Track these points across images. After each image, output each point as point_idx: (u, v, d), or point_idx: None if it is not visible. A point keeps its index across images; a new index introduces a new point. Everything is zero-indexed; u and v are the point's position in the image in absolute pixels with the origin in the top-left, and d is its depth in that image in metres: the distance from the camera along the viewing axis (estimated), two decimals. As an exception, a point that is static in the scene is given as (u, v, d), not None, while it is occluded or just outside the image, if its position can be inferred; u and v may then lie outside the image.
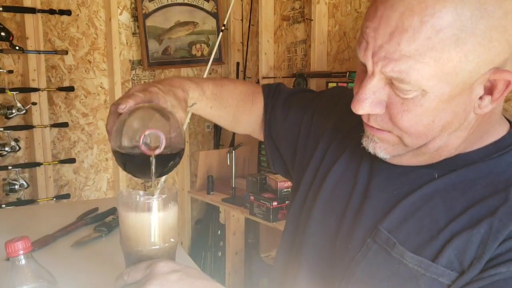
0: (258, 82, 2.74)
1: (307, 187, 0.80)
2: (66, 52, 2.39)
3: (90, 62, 2.51)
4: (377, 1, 0.57)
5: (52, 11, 2.29)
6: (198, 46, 2.76)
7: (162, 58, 2.66)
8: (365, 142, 0.66)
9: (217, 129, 2.94)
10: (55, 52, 2.34)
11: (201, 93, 0.85)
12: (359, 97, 0.60)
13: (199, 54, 2.77)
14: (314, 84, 2.37)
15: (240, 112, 0.95)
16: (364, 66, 0.60)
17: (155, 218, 0.63)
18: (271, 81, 2.71)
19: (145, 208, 0.63)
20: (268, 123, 0.94)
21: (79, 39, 2.47)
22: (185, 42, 2.72)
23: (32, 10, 2.20)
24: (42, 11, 2.25)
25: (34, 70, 2.24)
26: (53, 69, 2.40)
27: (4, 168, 2.20)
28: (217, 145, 2.95)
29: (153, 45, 2.62)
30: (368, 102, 0.59)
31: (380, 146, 0.65)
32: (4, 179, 2.25)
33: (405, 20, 0.53)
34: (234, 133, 2.71)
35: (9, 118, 2.19)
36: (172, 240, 0.66)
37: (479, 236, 0.57)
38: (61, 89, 2.38)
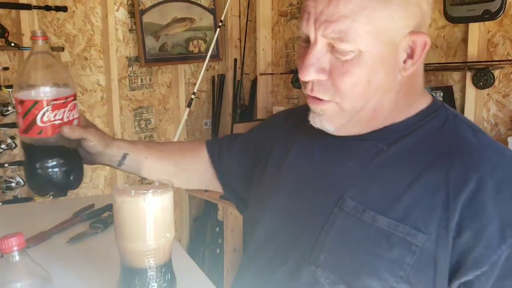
0: (255, 78, 2.73)
1: (267, 183, 0.86)
2: (62, 49, 2.37)
3: (86, 59, 2.49)
4: None
5: (48, 8, 2.27)
6: (195, 42, 2.75)
7: (159, 55, 2.65)
8: (312, 119, 0.74)
9: (215, 126, 2.93)
10: (51, 49, 2.32)
11: (129, 144, 0.95)
12: (306, 63, 0.67)
13: (196, 50, 2.76)
14: (312, 80, 2.36)
15: (182, 160, 1.01)
16: (305, 42, 0.70)
17: (150, 212, 0.63)
18: (269, 77, 2.70)
19: (140, 203, 0.62)
20: (221, 173, 0.99)
21: (76, 35, 2.45)
22: (182, 38, 2.71)
23: (27, 7, 2.18)
24: (38, 7, 2.23)
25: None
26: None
27: (1, 166, 2.18)
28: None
29: (150, 42, 2.60)
30: (313, 68, 0.68)
31: (325, 118, 0.72)
32: (0, 177, 2.24)
33: None
34: (232, 130, 2.70)
35: (5, 116, 2.17)
36: (168, 235, 0.66)
37: (439, 203, 0.65)
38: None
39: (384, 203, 0.68)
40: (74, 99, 0.95)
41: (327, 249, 0.70)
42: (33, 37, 0.96)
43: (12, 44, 2.11)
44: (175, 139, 2.39)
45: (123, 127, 2.63)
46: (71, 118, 0.96)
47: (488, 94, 1.92)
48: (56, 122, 0.96)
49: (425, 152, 0.70)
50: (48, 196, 0.98)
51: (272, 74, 2.66)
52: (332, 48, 0.66)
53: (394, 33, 0.66)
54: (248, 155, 0.96)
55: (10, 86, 2.14)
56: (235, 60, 2.85)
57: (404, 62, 0.68)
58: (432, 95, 0.77)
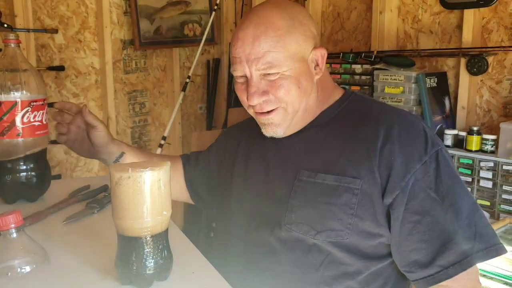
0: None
1: (238, 180, 1.05)
2: (56, 31, 2.35)
3: (80, 41, 2.47)
4: (236, 32, 0.92)
5: (41, -11, 2.24)
6: (190, 26, 2.73)
7: (154, 38, 2.63)
8: (265, 130, 0.97)
9: (210, 111, 2.93)
10: (45, 30, 2.30)
11: (128, 146, 1.10)
12: (250, 93, 0.91)
13: (191, 34, 2.74)
14: (307, 65, 2.35)
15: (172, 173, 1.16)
16: (241, 79, 0.94)
17: (147, 190, 0.63)
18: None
19: (137, 180, 0.62)
20: (190, 184, 1.18)
21: (69, 17, 2.43)
22: (177, 21, 2.69)
23: (20, -13, 2.15)
24: (31, -12, 2.21)
25: (23, 48, 2.20)
26: (43, 48, 2.36)
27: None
28: (209, 127, 2.94)
29: (144, 25, 2.58)
30: (257, 94, 0.91)
31: (274, 125, 0.95)
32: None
33: (257, 30, 0.89)
34: (227, 114, 2.70)
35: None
36: (165, 213, 0.66)
37: (364, 155, 0.90)
38: (51, 68, 2.35)
39: (327, 166, 0.92)
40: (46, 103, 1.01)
41: (295, 209, 0.92)
42: (5, 40, 0.97)
43: (5, 26, 2.09)
44: (170, 123, 2.39)
45: (117, 111, 2.62)
46: (46, 121, 0.99)
47: (481, 80, 1.93)
48: (36, 124, 0.97)
49: (347, 125, 0.95)
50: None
51: (267, 58, 2.65)
52: (263, 75, 0.90)
53: (303, 52, 0.92)
54: (208, 165, 1.16)
55: (4, 68, 2.12)
56: (230, 44, 2.83)
57: (315, 69, 0.95)
58: (344, 88, 1.08)
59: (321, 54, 0.95)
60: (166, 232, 0.68)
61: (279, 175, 0.97)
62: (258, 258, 0.95)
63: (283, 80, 0.90)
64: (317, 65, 0.95)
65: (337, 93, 1.02)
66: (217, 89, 2.92)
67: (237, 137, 1.14)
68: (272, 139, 0.99)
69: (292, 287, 0.92)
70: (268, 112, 0.93)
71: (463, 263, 0.85)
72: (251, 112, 0.97)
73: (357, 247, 0.89)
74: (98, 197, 1.00)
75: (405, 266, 0.90)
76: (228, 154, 1.12)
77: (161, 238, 0.67)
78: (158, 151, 2.29)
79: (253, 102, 0.91)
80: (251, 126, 1.08)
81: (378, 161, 0.89)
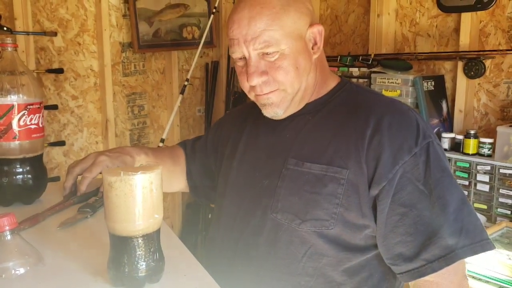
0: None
1: (228, 165, 1.08)
2: (55, 34, 2.36)
3: (79, 44, 2.48)
4: (232, 15, 0.92)
5: (40, -8, 2.25)
6: (189, 28, 2.74)
7: (152, 41, 2.64)
8: (265, 111, 0.96)
9: (208, 113, 2.94)
10: (44, 33, 2.31)
11: (145, 156, 1.11)
12: (250, 73, 0.91)
13: (190, 37, 2.75)
14: (305, 68, 2.36)
15: (174, 167, 1.18)
16: (240, 61, 0.93)
17: (139, 193, 0.64)
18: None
19: (129, 183, 0.63)
20: (189, 175, 1.21)
21: (69, 20, 2.44)
22: (175, 24, 2.70)
23: (20, -10, 2.16)
24: (30, -9, 2.22)
25: (23, 51, 2.21)
26: (42, 50, 2.37)
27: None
28: (208, 129, 2.94)
29: (143, 28, 2.59)
30: (256, 74, 0.91)
31: (275, 105, 0.94)
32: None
33: (252, 11, 0.88)
34: (225, 117, 2.70)
35: None
36: (157, 216, 0.67)
37: (352, 146, 0.89)
38: (50, 71, 2.36)
39: (315, 155, 0.92)
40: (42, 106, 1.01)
41: (282, 198, 0.92)
42: (2, 44, 0.97)
43: (5, 28, 2.10)
44: (168, 126, 2.39)
45: (116, 113, 2.63)
46: (42, 124, 1.00)
47: (479, 83, 1.94)
48: (32, 127, 0.98)
49: (338, 115, 0.95)
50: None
51: (265, 61, 2.66)
52: (262, 56, 0.90)
53: (299, 30, 0.91)
54: (206, 155, 1.19)
55: (3, 71, 2.13)
56: (227, 27, 2.84)
57: (312, 48, 0.94)
58: (340, 76, 1.05)
59: (318, 31, 0.94)
60: (158, 234, 0.69)
61: (268, 163, 0.98)
62: (243, 246, 0.96)
63: (282, 61, 0.90)
64: (315, 44, 0.95)
65: (332, 81, 1.02)
66: (216, 92, 2.92)
67: (231, 123, 1.15)
68: (264, 126, 1.01)
69: (275, 277, 0.92)
70: (268, 92, 0.93)
71: (448, 257, 0.84)
72: (251, 96, 0.96)
73: (341, 238, 0.89)
74: (90, 201, 1.00)
75: (390, 259, 0.89)
76: (222, 142, 1.14)
77: (153, 241, 0.67)
78: (157, 153, 2.30)
79: (253, 82, 0.91)
80: (247, 111, 1.10)
81: (365, 152, 0.88)
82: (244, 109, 1.16)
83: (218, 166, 1.13)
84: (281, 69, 0.90)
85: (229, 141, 1.11)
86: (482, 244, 0.86)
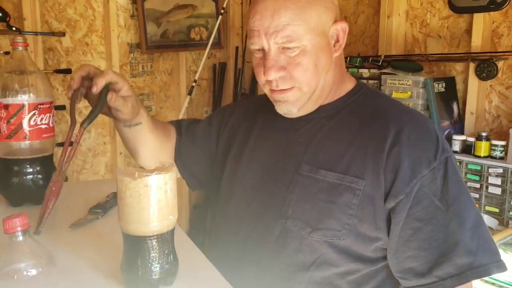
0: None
1: (234, 163, 1.02)
2: (64, 34, 2.36)
3: (87, 44, 2.48)
4: (254, 5, 0.87)
5: (49, -8, 2.25)
6: (197, 29, 2.73)
7: (160, 42, 2.63)
8: (278, 107, 0.92)
9: (216, 114, 2.93)
10: (53, 33, 2.31)
11: (147, 115, 1.03)
12: (267, 67, 0.86)
13: (198, 37, 2.74)
14: (314, 69, 2.35)
15: (166, 139, 1.11)
16: (259, 53, 0.89)
17: (153, 194, 0.63)
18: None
19: (143, 184, 0.62)
20: (178, 153, 1.12)
21: (77, 21, 2.44)
22: (183, 25, 2.69)
23: (29, -10, 2.16)
24: (39, -9, 2.22)
25: (31, 51, 2.21)
26: (50, 51, 2.37)
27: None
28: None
29: (151, 28, 2.59)
30: (274, 69, 0.86)
31: (289, 103, 0.90)
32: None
33: (277, 2, 0.84)
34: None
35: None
36: (171, 217, 0.66)
37: (370, 155, 0.86)
38: (58, 71, 2.36)
39: (330, 163, 0.89)
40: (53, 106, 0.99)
41: (293, 204, 0.89)
42: (13, 43, 0.97)
43: (14, 28, 2.10)
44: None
45: (124, 114, 2.62)
46: (53, 124, 0.99)
47: (491, 85, 1.92)
48: (43, 127, 0.97)
49: (355, 121, 0.91)
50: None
51: (274, 62, 2.65)
52: (282, 50, 0.86)
53: (323, 26, 0.87)
54: (209, 141, 1.11)
55: (11, 71, 2.13)
56: (237, 48, 2.83)
57: (334, 45, 0.90)
58: (356, 78, 1.01)
59: (342, 28, 0.90)
60: (172, 236, 0.68)
61: (279, 166, 0.94)
62: (250, 249, 0.93)
63: (302, 57, 0.86)
64: (337, 41, 0.90)
65: (349, 83, 0.97)
66: (223, 93, 2.91)
67: (241, 114, 1.09)
68: (276, 124, 0.97)
69: (281, 284, 0.89)
70: (284, 90, 0.89)
71: (462, 276, 0.82)
72: (266, 89, 0.92)
73: (352, 249, 0.87)
74: (100, 202, 0.99)
75: (400, 272, 0.88)
76: (229, 131, 1.08)
77: (167, 243, 0.66)
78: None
79: (270, 77, 0.87)
80: (259, 105, 1.04)
81: (384, 163, 0.85)
82: (256, 101, 1.09)
83: (221, 155, 1.08)
84: (300, 66, 0.86)
85: (238, 133, 1.05)
86: (498, 265, 0.84)
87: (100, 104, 0.90)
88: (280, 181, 0.92)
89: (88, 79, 0.91)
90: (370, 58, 2.12)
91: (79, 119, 0.88)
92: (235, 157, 1.02)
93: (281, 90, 0.89)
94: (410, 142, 0.86)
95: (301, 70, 0.86)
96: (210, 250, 1.07)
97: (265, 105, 0.99)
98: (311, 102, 0.92)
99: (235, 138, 1.05)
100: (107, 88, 0.90)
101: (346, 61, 2.16)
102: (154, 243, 0.65)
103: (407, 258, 0.86)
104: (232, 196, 1.00)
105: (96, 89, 0.88)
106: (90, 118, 0.90)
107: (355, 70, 2.15)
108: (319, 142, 0.92)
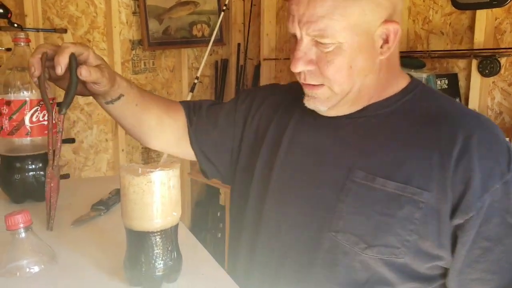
0: (259, 64, 2.72)
1: (264, 162, 0.92)
2: (65, 31, 2.36)
3: (89, 41, 2.48)
4: None
5: (51, -11, 2.25)
6: (199, 26, 2.72)
7: (162, 38, 2.63)
8: (306, 102, 0.83)
9: (218, 111, 2.92)
10: (54, 30, 2.30)
11: (128, 85, 0.90)
12: (295, 58, 0.78)
13: (200, 34, 2.74)
14: (316, 66, 2.34)
15: (166, 115, 1.00)
16: (295, 39, 0.79)
17: (157, 191, 0.62)
18: (273, 62, 2.69)
19: (147, 181, 0.62)
20: (195, 137, 1.01)
21: (79, 17, 2.43)
22: (186, 22, 2.69)
23: (30, -13, 2.16)
24: (41, -12, 2.21)
25: (33, 48, 2.20)
26: (52, 48, 2.37)
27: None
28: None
29: (153, 25, 2.58)
30: (302, 61, 0.78)
31: (317, 101, 0.81)
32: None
33: None
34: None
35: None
36: (175, 214, 0.65)
37: (435, 163, 0.76)
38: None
39: (389, 170, 0.78)
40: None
41: (344, 216, 0.78)
42: (15, 39, 0.96)
43: (15, 25, 2.10)
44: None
45: (125, 111, 2.62)
46: (55, 121, 0.98)
47: (493, 82, 1.91)
48: (45, 123, 0.96)
49: (413, 123, 0.81)
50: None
51: (275, 59, 2.64)
52: (316, 42, 0.77)
53: (368, 24, 0.75)
54: (232, 128, 1.00)
55: (13, 68, 2.13)
56: (239, 44, 2.83)
57: (381, 47, 0.79)
58: (410, 75, 0.90)
59: (394, 30, 0.77)
60: (175, 233, 0.67)
61: (323, 169, 0.83)
62: (288, 267, 0.83)
63: (335, 55, 0.76)
64: (386, 42, 0.78)
65: (402, 80, 0.86)
66: (225, 90, 2.91)
67: (275, 104, 0.96)
68: (315, 120, 0.86)
69: None
70: (313, 85, 0.80)
71: None
72: (297, 77, 0.83)
73: (409, 267, 0.78)
74: (103, 199, 0.99)
75: None
76: (258, 120, 0.96)
77: (171, 239, 0.66)
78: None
79: (296, 69, 0.79)
80: (295, 94, 0.91)
81: (452, 173, 0.75)
82: (292, 91, 0.95)
83: (247, 147, 0.97)
84: (332, 64, 0.76)
85: (269, 126, 0.93)
86: None
87: (72, 84, 0.80)
88: (327, 187, 0.82)
89: (49, 60, 0.80)
90: (373, 55, 2.11)
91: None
92: (267, 153, 0.92)
93: (309, 84, 0.80)
94: (481, 151, 0.76)
95: (332, 69, 0.77)
96: (233, 263, 0.98)
97: (302, 94, 0.86)
98: (345, 103, 0.82)
99: (266, 131, 0.94)
100: (76, 62, 0.79)
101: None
102: (157, 239, 0.64)
103: (473, 281, 0.77)
104: (264, 200, 0.89)
105: (60, 70, 0.78)
106: (66, 102, 0.81)
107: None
108: (372, 145, 0.81)
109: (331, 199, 0.80)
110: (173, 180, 0.64)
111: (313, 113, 0.86)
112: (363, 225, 0.77)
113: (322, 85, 0.79)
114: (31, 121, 0.96)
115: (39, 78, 0.81)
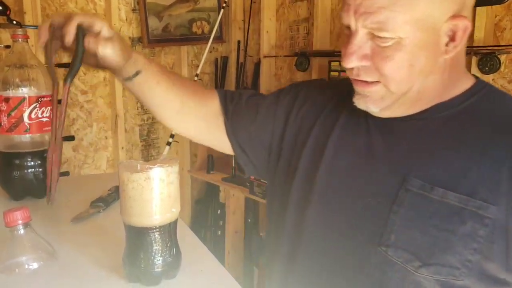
0: (259, 61, 2.71)
1: (307, 164, 0.84)
2: (65, 28, 2.35)
3: (89, 38, 2.47)
4: None
5: (50, -14, 2.24)
6: (198, 23, 2.72)
7: (162, 35, 2.62)
8: (356, 101, 0.75)
9: (217, 109, 2.92)
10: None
11: (146, 61, 0.85)
12: (348, 52, 0.70)
13: (199, 31, 2.73)
14: (316, 63, 2.34)
15: (192, 100, 0.92)
16: (348, 30, 0.71)
17: (156, 187, 0.62)
18: (273, 60, 2.69)
19: (146, 177, 0.62)
20: (232, 127, 0.93)
21: (78, 15, 2.42)
22: (185, 19, 2.68)
23: (29, -16, 2.15)
24: (40, -15, 2.21)
25: (32, 45, 2.20)
26: (52, 45, 2.36)
27: None
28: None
29: (153, 22, 2.58)
30: (355, 56, 0.70)
31: (370, 100, 0.73)
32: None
33: None
34: (234, 113, 2.69)
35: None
36: (174, 210, 0.65)
37: (505, 176, 0.67)
38: (59, 65, 2.35)
39: (450, 180, 0.69)
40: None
41: (397, 229, 0.70)
42: (14, 36, 0.96)
43: (14, 22, 2.09)
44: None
45: (125, 108, 2.62)
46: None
47: (493, 79, 1.91)
48: (44, 120, 0.96)
49: (480, 129, 0.71)
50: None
51: (276, 56, 2.64)
52: (372, 35, 0.68)
53: (434, 19, 0.66)
54: (272, 123, 0.92)
55: (12, 65, 2.13)
56: (239, 42, 2.82)
57: (446, 45, 0.69)
58: (476, 76, 0.80)
59: (462, 27, 0.68)
60: (174, 229, 0.67)
61: (374, 176, 0.75)
62: (331, 280, 0.76)
63: (395, 51, 0.67)
64: (452, 39, 0.69)
65: (467, 81, 0.76)
66: (225, 87, 2.90)
67: (322, 101, 0.88)
68: (371, 121, 0.78)
69: None
70: (367, 82, 0.72)
71: None
72: (349, 75, 0.75)
73: None
74: (102, 196, 0.99)
75: None
76: (301, 122, 0.88)
77: (170, 236, 0.66)
78: (166, 149, 2.28)
79: (348, 64, 0.71)
80: (343, 92, 0.83)
81: None
82: (341, 87, 0.88)
83: (288, 146, 0.89)
84: (390, 60, 0.68)
85: (314, 125, 0.86)
86: None
87: (78, 53, 0.78)
88: (379, 195, 0.73)
89: (60, 29, 0.78)
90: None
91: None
92: (310, 155, 0.84)
93: (362, 81, 0.72)
94: None
95: (391, 65, 0.68)
96: (270, 270, 0.92)
97: (352, 92, 0.78)
98: (401, 105, 0.74)
99: (309, 132, 0.86)
100: (82, 33, 0.77)
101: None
102: (156, 235, 0.64)
103: None
104: (306, 206, 0.82)
105: (68, 38, 0.75)
106: (72, 72, 0.80)
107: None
108: (431, 150, 0.72)
109: (382, 210, 0.72)
110: (172, 176, 0.64)
111: (363, 113, 0.78)
112: (418, 240, 0.69)
113: (377, 82, 0.71)
114: (30, 118, 0.96)
115: (45, 46, 0.79)
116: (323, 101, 0.88)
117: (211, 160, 2.50)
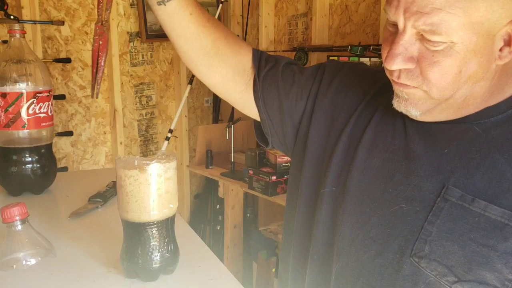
0: (258, 56, 2.71)
1: (340, 157, 0.78)
2: (63, 23, 2.34)
3: (87, 33, 2.46)
4: None
5: (47, -20, 2.23)
6: (197, 18, 2.71)
7: (160, 30, 2.59)
8: (396, 103, 0.70)
9: (216, 104, 2.92)
10: (51, 22, 2.29)
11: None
12: (393, 53, 0.64)
13: (198, 26, 2.72)
14: (315, 58, 2.33)
15: (224, 44, 0.84)
16: (392, 27, 0.65)
17: (153, 183, 0.62)
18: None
19: (143, 173, 0.61)
20: (262, 87, 0.86)
21: (76, 9, 2.42)
22: (184, 14, 2.67)
23: (27, -21, 2.14)
24: (38, -21, 2.20)
25: (30, 40, 2.19)
26: (49, 40, 2.36)
27: (1, 140, 2.18)
28: (216, 120, 2.92)
29: (151, 17, 2.57)
30: (401, 58, 0.64)
31: (410, 103, 0.68)
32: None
33: None
34: (233, 108, 2.69)
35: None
36: (171, 205, 0.65)
37: None
38: (57, 60, 2.34)
39: (493, 192, 0.64)
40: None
41: (432, 240, 0.66)
42: (10, 31, 0.96)
43: (12, 17, 2.08)
44: (177, 117, 2.38)
45: (124, 103, 2.62)
46: (52, 113, 0.98)
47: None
48: (41, 115, 0.96)
49: None
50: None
51: (274, 51, 2.63)
52: (421, 37, 0.62)
53: (492, 24, 0.60)
54: (305, 99, 0.85)
55: (10, 60, 2.12)
56: (237, 37, 2.82)
57: (500, 50, 0.63)
58: None
59: None
60: (172, 225, 0.67)
61: (411, 180, 0.70)
62: (363, 286, 0.72)
63: (444, 57, 0.62)
64: (507, 44, 0.63)
65: None
66: (224, 82, 2.90)
67: (359, 93, 0.82)
68: (409, 122, 0.73)
69: None
70: (407, 85, 0.67)
71: None
72: (388, 74, 0.70)
73: None
74: (100, 191, 0.99)
75: None
76: (333, 110, 0.82)
77: (168, 231, 0.66)
78: (165, 144, 2.28)
79: (392, 66, 0.65)
80: (380, 86, 0.79)
81: None
82: (377, 77, 0.82)
83: (317, 132, 0.83)
84: (438, 66, 0.63)
85: (350, 119, 0.80)
86: None
87: None
88: (414, 202, 0.69)
89: None
90: (371, 47, 2.10)
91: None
92: (344, 151, 0.79)
93: (402, 84, 0.67)
94: None
95: (438, 71, 0.63)
96: (285, 267, 0.87)
97: (390, 89, 0.72)
98: (443, 110, 0.69)
99: (344, 126, 0.80)
100: None
101: (347, 50, 2.14)
102: (154, 231, 0.64)
103: None
104: (339, 204, 0.77)
105: None
106: None
107: (356, 59, 2.13)
108: (474, 158, 0.67)
109: (418, 218, 0.68)
110: (170, 172, 0.64)
111: (400, 112, 0.72)
112: (455, 254, 0.65)
113: (417, 87, 0.66)
114: (27, 114, 0.95)
115: None
116: (359, 94, 0.82)
117: (210, 155, 2.50)
